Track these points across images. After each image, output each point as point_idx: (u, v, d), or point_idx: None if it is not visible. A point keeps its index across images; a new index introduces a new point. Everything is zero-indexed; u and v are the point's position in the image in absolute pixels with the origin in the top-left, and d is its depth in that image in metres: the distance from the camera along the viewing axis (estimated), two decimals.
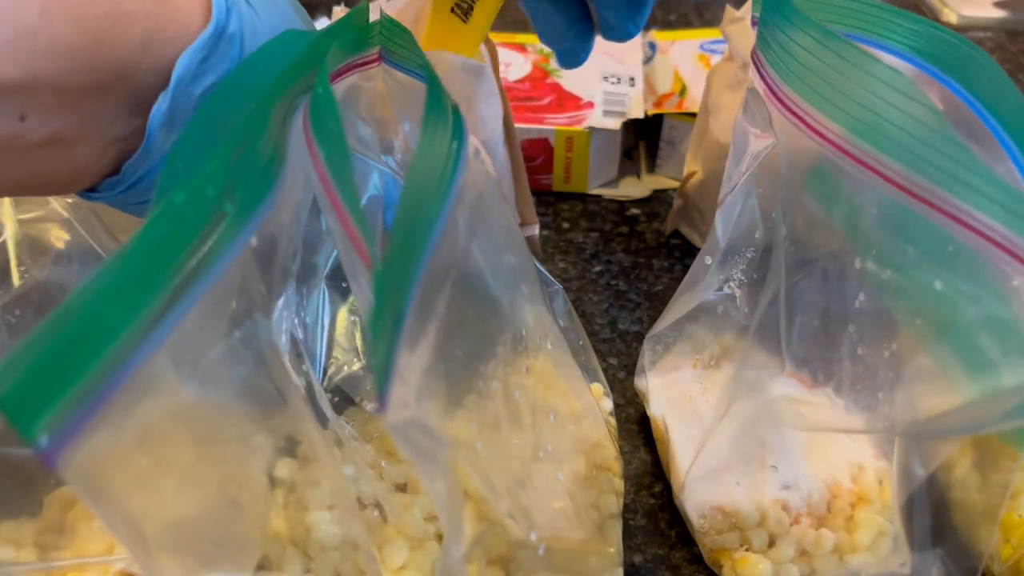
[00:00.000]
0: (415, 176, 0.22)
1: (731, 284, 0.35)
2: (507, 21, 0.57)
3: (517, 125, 0.48)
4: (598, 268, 0.52)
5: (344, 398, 0.35)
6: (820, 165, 0.27)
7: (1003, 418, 0.23)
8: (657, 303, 0.49)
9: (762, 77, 0.28)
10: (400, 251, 0.20)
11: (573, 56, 0.37)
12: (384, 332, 0.18)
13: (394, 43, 0.29)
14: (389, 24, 0.29)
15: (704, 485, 0.34)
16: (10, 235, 0.32)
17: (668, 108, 0.57)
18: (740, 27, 0.45)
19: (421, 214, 0.21)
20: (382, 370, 0.18)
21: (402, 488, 0.33)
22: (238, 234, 0.19)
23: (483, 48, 0.43)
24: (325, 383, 0.34)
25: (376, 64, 0.29)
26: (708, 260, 0.35)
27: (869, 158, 0.24)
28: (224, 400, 0.22)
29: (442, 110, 0.24)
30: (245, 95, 0.23)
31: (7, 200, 0.32)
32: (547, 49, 0.65)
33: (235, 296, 0.21)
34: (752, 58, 0.29)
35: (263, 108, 0.22)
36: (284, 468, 0.32)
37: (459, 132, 0.24)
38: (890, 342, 0.29)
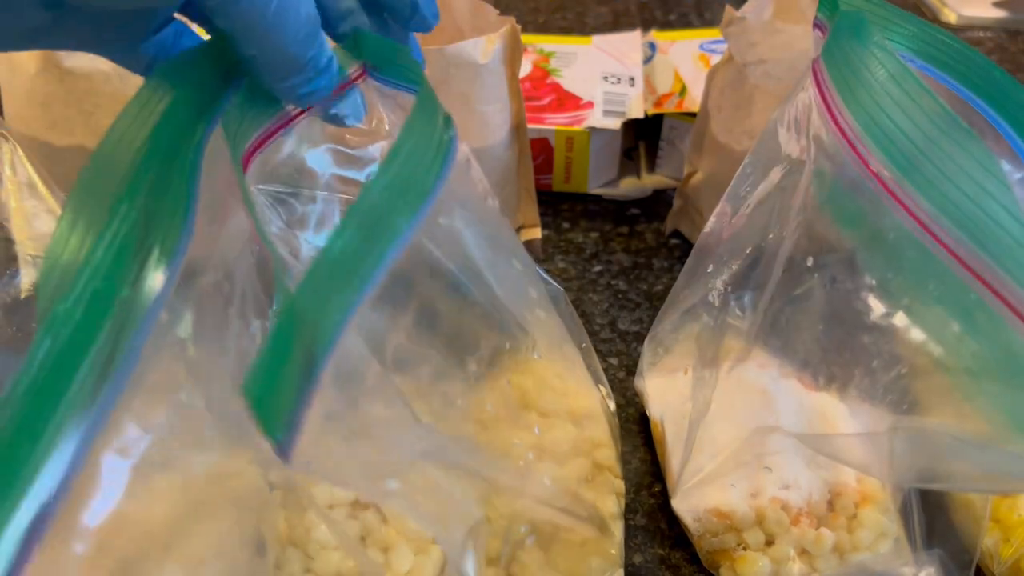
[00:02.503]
0: (383, 183, 0.21)
1: (733, 286, 0.35)
2: None
3: None
4: (598, 268, 0.52)
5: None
6: (849, 186, 0.27)
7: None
8: (657, 303, 0.49)
9: (819, 89, 0.28)
10: (332, 283, 0.18)
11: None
12: (291, 376, 0.17)
13: (381, 58, 0.28)
14: (372, 41, 0.28)
15: (698, 488, 0.34)
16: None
17: (668, 108, 0.57)
18: (740, 27, 0.45)
19: (380, 232, 0.20)
20: (283, 417, 0.17)
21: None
22: (146, 314, 0.18)
23: (491, 43, 0.43)
24: None
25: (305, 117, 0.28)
26: (708, 262, 0.35)
27: (910, 201, 0.24)
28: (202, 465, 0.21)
29: (426, 125, 0.23)
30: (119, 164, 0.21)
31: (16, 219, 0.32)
32: (547, 48, 0.65)
33: (175, 357, 0.21)
34: (813, 68, 0.29)
35: (144, 168, 0.20)
36: (282, 468, 0.31)
37: (446, 146, 0.23)
38: (900, 363, 0.29)
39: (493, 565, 0.31)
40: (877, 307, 0.30)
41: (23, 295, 0.31)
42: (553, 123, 0.55)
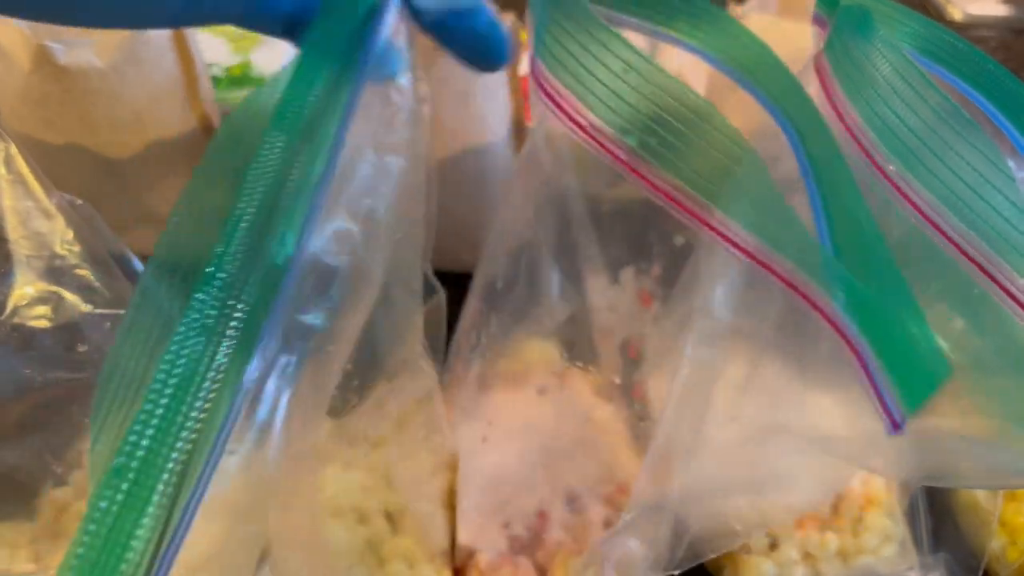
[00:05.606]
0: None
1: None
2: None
3: None
4: None
5: (355, 395, 0.34)
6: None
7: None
8: None
9: (823, 84, 0.28)
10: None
11: None
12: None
13: None
14: None
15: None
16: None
17: None
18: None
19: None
20: None
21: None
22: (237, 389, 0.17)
23: None
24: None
25: None
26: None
27: (914, 193, 0.24)
28: None
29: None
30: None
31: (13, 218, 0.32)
32: None
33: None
34: (815, 63, 0.29)
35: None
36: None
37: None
38: None
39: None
40: None
41: (16, 294, 0.31)
42: None
